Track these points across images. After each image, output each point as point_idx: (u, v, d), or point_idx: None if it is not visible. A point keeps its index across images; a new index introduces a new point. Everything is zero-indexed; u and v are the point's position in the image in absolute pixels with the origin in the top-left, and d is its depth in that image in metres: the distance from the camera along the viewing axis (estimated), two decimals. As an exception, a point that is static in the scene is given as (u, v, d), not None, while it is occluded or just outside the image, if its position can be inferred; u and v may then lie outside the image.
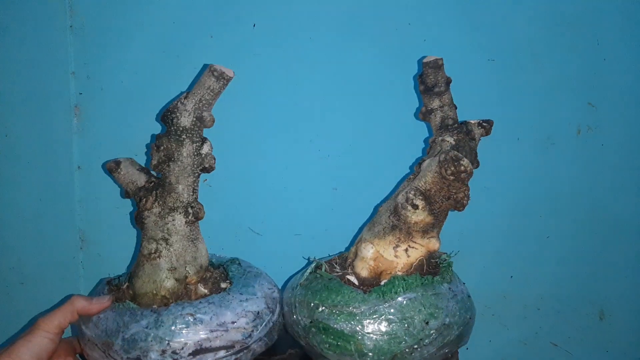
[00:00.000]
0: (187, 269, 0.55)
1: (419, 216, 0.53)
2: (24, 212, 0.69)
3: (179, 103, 0.53)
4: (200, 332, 0.49)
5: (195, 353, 0.49)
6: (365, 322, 0.50)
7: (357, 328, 0.50)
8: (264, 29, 0.70)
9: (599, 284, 0.85)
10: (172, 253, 0.54)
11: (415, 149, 0.74)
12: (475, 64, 0.76)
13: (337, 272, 0.58)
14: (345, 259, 0.61)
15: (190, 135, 0.54)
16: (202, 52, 0.69)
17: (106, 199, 0.71)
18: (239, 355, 0.51)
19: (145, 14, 0.68)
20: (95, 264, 0.72)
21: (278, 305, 0.57)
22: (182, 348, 0.49)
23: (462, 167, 0.49)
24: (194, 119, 0.53)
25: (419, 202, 0.52)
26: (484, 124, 0.59)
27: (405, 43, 0.74)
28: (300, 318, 0.54)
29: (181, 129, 0.53)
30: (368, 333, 0.50)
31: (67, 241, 0.71)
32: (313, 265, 0.59)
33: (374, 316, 0.50)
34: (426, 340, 0.50)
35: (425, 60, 0.60)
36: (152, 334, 0.48)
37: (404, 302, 0.51)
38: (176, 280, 0.54)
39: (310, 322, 0.53)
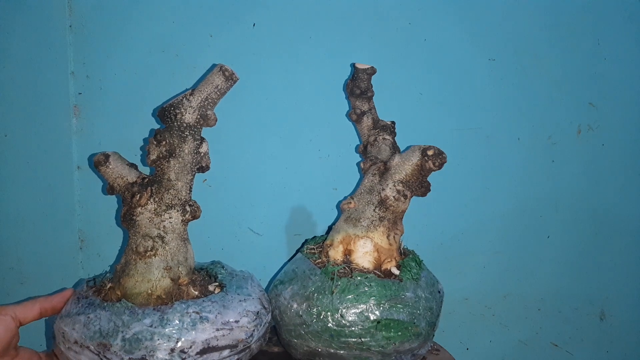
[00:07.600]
0: (179, 269, 0.54)
1: (406, 204, 0.59)
2: (24, 212, 0.69)
3: (184, 99, 0.52)
4: (208, 331, 0.49)
5: (202, 352, 0.48)
6: (416, 306, 0.55)
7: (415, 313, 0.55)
8: (264, 28, 0.70)
9: (599, 284, 0.85)
10: (168, 252, 0.53)
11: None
12: (475, 64, 0.76)
13: (341, 267, 0.58)
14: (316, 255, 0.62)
15: (192, 132, 0.53)
16: (202, 52, 0.69)
17: (106, 199, 0.70)
18: (240, 355, 0.51)
19: (144, 13, 0.68)
20: (95, 264, 0.72)
21: (270, 306, 0.58)
22: (190, 347, 0.48)
23: (445, 159, 0.56)
24: (198, 117, 0.53)
25: (408, 193, 0.58)
26: (394, 122, 0.68)
27: (405, 43, 0.74)
28: (347, 322, 0.53)
29: (185, 125, 0.52)
30: (419, 315, 0.55)
31: (67, 241, 0.71)
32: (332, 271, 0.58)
33: (416, 299, 0.56)
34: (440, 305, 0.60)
35: (360, 66, 0.65)
36: (158, 333, 0.47)
37: (426, 279, 0.58)
38: (171, 280, 0.53)
39: (377, 322, 0.53)
